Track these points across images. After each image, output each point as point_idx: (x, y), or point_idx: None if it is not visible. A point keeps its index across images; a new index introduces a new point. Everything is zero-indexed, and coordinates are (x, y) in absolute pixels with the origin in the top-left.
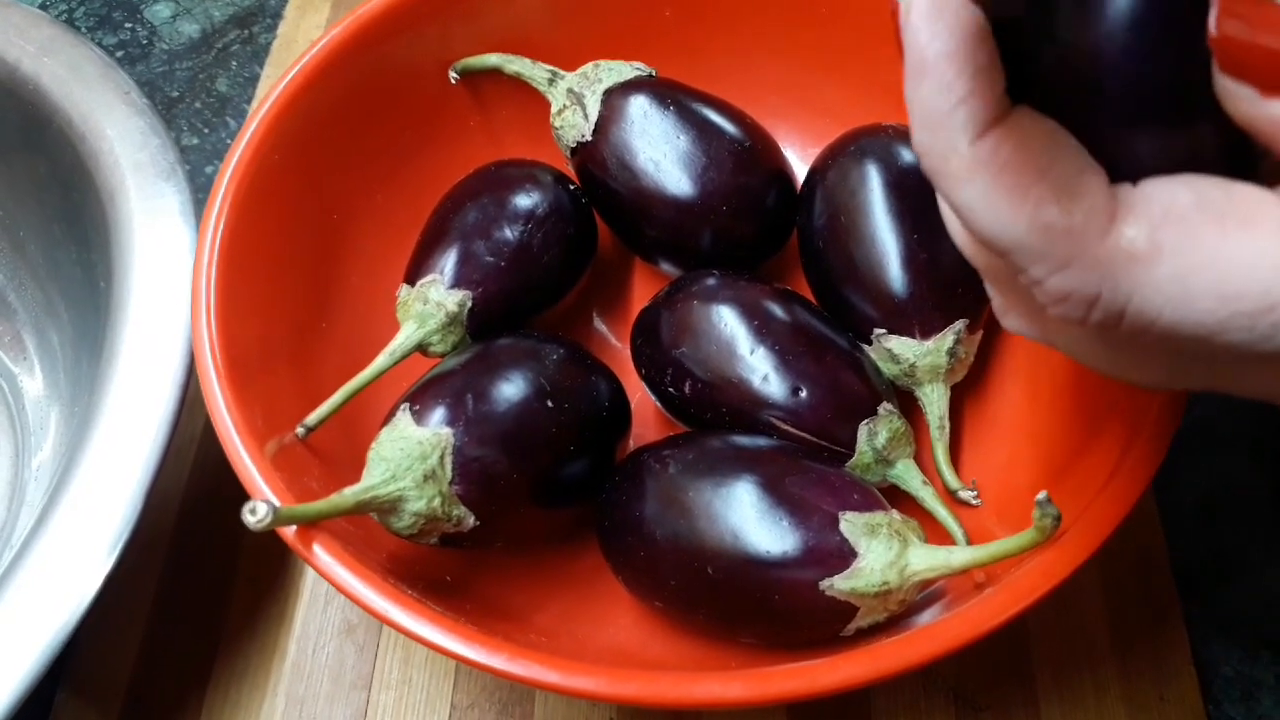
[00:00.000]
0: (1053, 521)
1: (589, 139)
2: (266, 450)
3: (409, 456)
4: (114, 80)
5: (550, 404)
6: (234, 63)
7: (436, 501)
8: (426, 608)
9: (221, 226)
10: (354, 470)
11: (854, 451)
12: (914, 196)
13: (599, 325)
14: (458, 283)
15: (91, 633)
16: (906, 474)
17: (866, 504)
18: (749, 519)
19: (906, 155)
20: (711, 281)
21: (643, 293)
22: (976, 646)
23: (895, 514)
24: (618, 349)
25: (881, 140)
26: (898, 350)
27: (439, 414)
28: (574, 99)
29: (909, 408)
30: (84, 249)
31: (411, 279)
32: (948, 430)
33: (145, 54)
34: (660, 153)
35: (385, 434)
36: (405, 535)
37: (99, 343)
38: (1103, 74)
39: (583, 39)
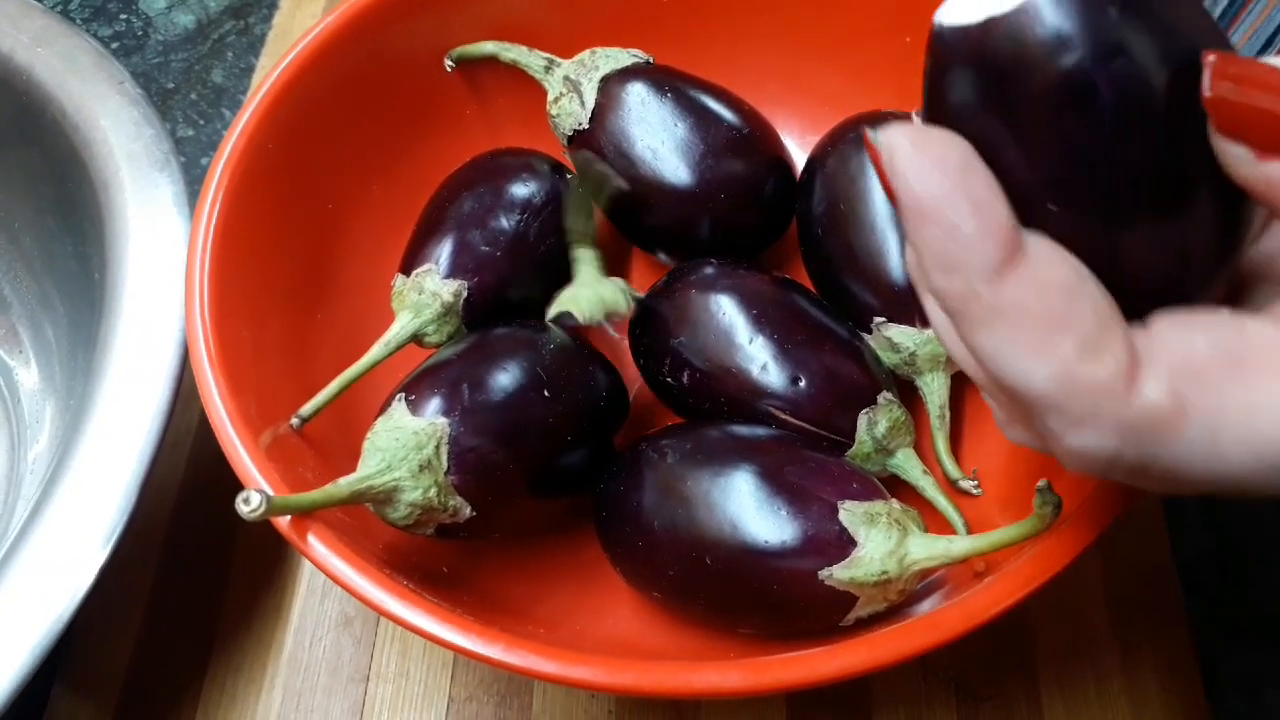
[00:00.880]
0: (1053, 509)
1: (586, 127)
2: (261, 440)
3: (404, 447)
4: (108, 70)
5: (547, 394)
6: (229, 54)
7: (432, 492)
8: (423, 599)
9: (215, 216)
10: (349, 461)
11: (854, 441)
12: None
13: None
14: (453, 272)
15: (87, 626)
16: (906, 463)
17: (866, 493)
18: (748, 508)
19: None
20: (710, 270)
21: (641, 282)
22: (977, 636)
23: (895, 503)
24: (615, 339)
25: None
26: (898, 339)
27: (434, 404)
28: (571, 86)
29: (909, 397)
30: (78, 241)
31: (407, 269)
32: (948, 419)
33: (140, 45)
34: (658, 140)
35: (381, 424)
36: (401, 526)
37: (94, 335)
38: (1105, 174)
39: (580, 26)
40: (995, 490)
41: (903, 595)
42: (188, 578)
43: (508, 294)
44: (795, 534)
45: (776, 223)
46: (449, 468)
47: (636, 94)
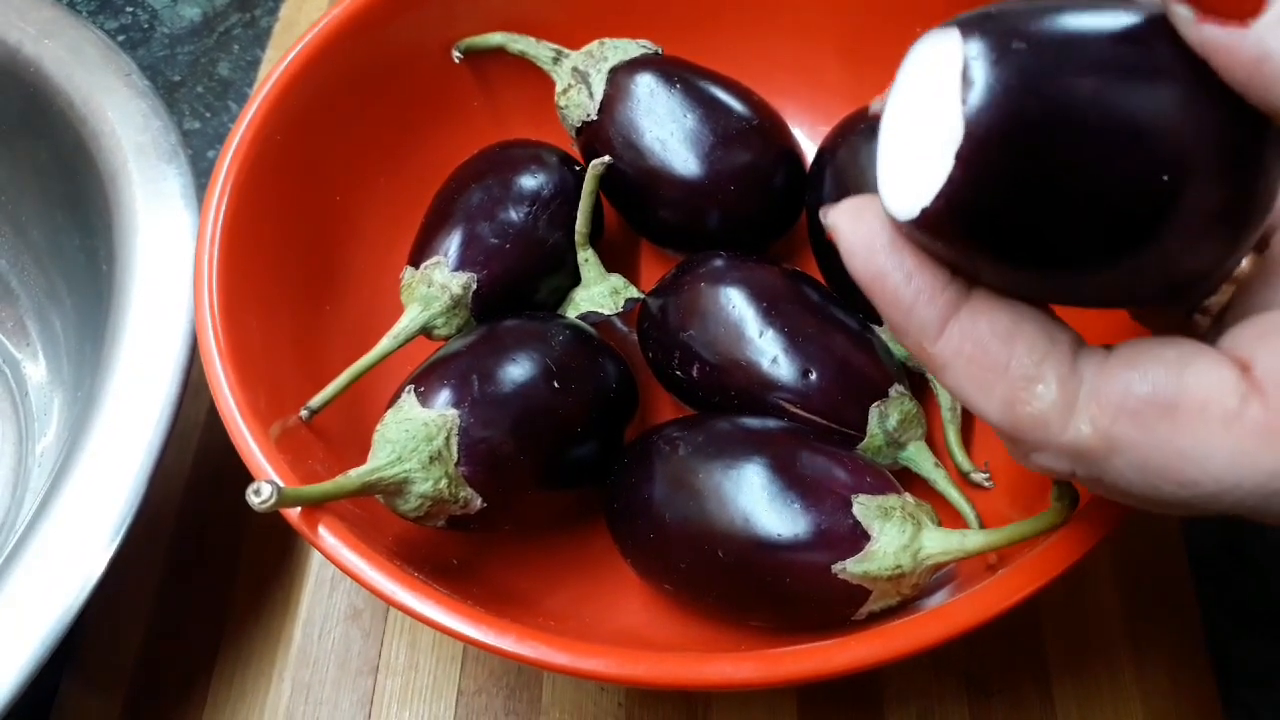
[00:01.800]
0: (1070, 503)
1: (594, 118)
2: (271, 432)
3: (415, 438)
4: (115, 63)
5: (557, 385)
6: (236, 46)
7: (443, 483)
8: (434, 590)
9: (223, 209)
10: (359, 453)
11: (865, 434)
12: None
13: None
14: (462, 265)
15: (96, 618)
16: (918, 456)
17: (879, 487)
18: (760, 502)
19: None
20: (719, 263)
21: (650, 275)
22: (988, 630)
23: (909, 497)
24: (624, 332)
25: None
26: None
27: (444, 396)
28: (579, 78)
29: (920, 389)
30: (86, 233)
31: (416, 261)
32: (959, 411)
33: (146, 38)
34: (667, 132)
35: (391, 416)
36: (412, 517)
37: (101, 327)
38: (1049, 228)
39: (588, 16)
40: (1007, 483)
41: (916, 589)
42: (196, 570)
43: (517, 286)
44: (808, 527)
45: (786, 214)
46: (459, 459)
47: (645, 85)
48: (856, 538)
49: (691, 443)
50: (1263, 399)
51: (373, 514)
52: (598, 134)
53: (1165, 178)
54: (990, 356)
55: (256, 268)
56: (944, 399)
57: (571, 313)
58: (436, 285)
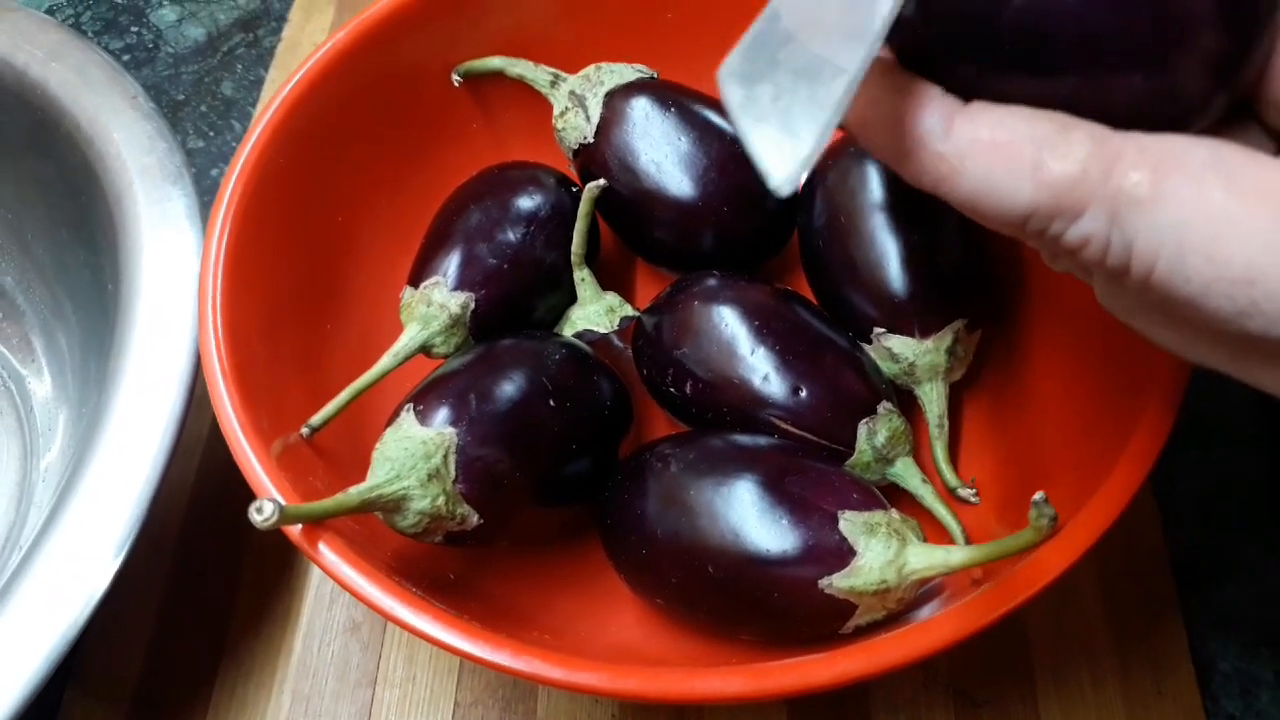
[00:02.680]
0: (1049, 522)
1: (591, 141)
2: (272, 450)
3: (413, 456)
4: (121, 85)
5: (552, 403)
6: (239, 66)
7: (441, 500)
8: (431, 605)
9: (227, 229)
10: (358, 470)
11: (854, 450)
12: (913, 197)
13: None
14: (461, 285)
15: (99, 631)
16: (906, 472)
17: (866, 503)
18: (749, 517)
19: None
20: (712, 282)
21: (645, 293)
22: (975, 642)
23: (894, 513)
24: (620, 349)
25: None
26: (897, 349)
27: (442, 414)
28: (576, 101)
29: (909, 407)
30: (92, 252)
31: (415, 281)
32: (947, 429)
33: (151, 58)
34: (662, 154)
35: (390, 434)
36: (410, 534)
37: (107, 344)
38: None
39: (585, 41)
40: (994, 499)
41: (901, 604)
42: (198, 584)
43: (514, 305)
44: (796, 543)
45: (778, 235)
46: (457, 476)
47: (640, 108)
48: (843, 553)
49: (683, 460)
50: None
51: (372, 530)
52: (594, 156)
53: None
54: (1012, 131)
55: (259, 287)
56: (932, 415)
57: (568, 331)
58: (435, 305)
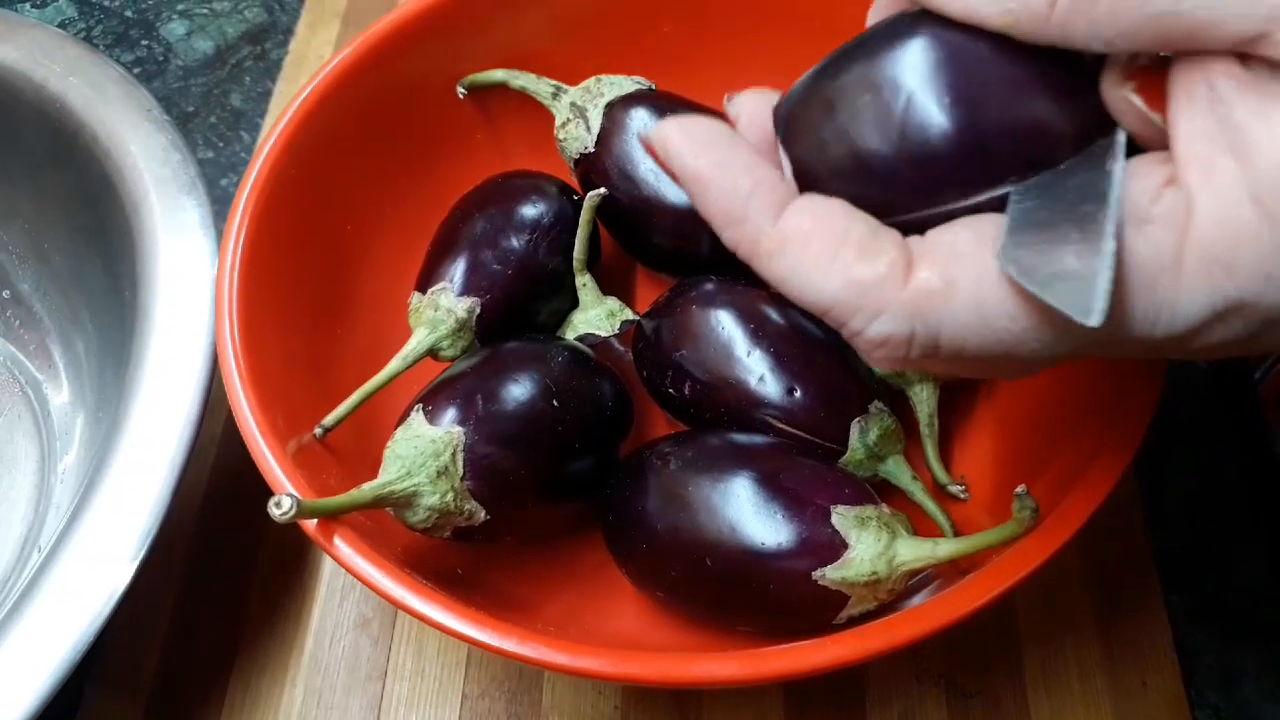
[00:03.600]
0: (1030, 514)
1: (592, 150)
2: (288, 449)
3: (423, 454)
4: (136, 98)
5: (556, 404)
6: (247, 78)
7: (449, 496)
8: (441, 596)
9: (242, 238)
10: (370, 469)
11: (846, 448)
12: None
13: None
14: (467, 290)
15: (118, 628)
16: (897, 469)
17: (857, 498)
18: (746, 513)
19: None
20: (710, 287)
21: (645, 297)
22: (965, 634)
23: (885, 508)
24: (620, 352)
25: None
26: None
27: (451, 414)
28: (577, 112)
29: (900, 406)
30: (108, 260)
31: (423, 287)
32: (936, 427)
33: (161, 70)
34: None
35: (400, 433)
36: (420, 529)
37: (124, 351)
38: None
39: (585, 54)
40: (982, 494)
41: (892, 594)
42: (213, 581)
43: (518, 310)
44: (790, 537)
45: None
46: (465, 473)
47: (639, 119)
48: (835, 546)
49: (682, 457)
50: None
51: (383, 526)
52: (595, 165)
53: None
54: (830, 227)
55: (273, 294)
56: (923, 414)
57: (570, 335)
58: (443, 309)
